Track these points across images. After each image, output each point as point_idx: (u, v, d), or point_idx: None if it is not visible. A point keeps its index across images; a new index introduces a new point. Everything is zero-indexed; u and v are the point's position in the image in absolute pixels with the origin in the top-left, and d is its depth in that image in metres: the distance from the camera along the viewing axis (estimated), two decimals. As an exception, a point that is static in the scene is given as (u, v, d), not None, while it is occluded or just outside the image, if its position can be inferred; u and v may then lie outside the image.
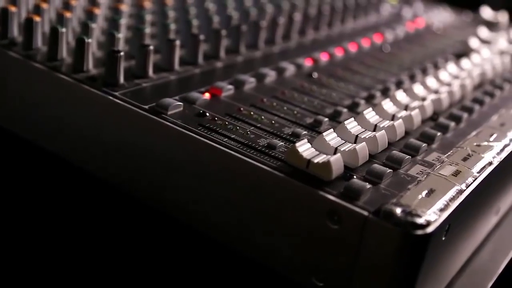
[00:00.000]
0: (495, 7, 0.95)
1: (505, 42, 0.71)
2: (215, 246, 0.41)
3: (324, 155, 0.38)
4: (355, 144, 0.40)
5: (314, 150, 0.39)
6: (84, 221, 0.44)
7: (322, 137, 0.40)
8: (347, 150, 0.39)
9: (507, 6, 1.09)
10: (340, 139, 0.41)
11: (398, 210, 0.35)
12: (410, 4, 0.89)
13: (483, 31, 0.75)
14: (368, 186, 0.37)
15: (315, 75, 0.55)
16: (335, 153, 0.39)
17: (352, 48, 0.65)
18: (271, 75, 0.53)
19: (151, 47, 0.47)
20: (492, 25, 0.84)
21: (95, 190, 0.46)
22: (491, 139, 0.46)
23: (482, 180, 0.41)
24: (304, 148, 0.38)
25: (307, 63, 0.58)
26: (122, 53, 0.45)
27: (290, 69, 0.55)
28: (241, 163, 0.38)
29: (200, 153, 0.40)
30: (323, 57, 0.60)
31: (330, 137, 0.40)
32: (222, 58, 0.55)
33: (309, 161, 0.37)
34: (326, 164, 0.37)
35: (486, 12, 0.87)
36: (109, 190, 0.45)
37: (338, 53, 0.62)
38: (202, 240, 0.42)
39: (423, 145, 0.43)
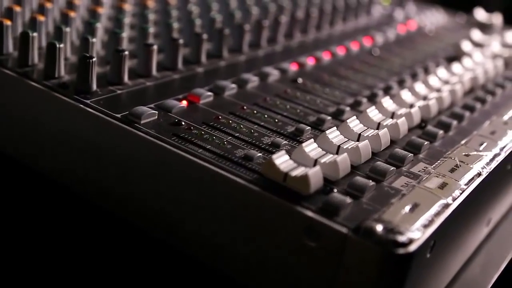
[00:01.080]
0: (490, 9, 0.94)
1: (498, 45, 0.69)
2: (188, 261, 0.40)
3: (303, 168, 0.36)
4: (336, 156, 0.38)
5: (292, 162, 0.37)
6: (52, 231, 0.42)
7: (301, 148, 0.38)
8: (327, 162, 0.37)
9: (504, 6, 1.07)
10: (320, 150, 0.39)
11: (379, 227, 0.33)
12: (403, 5, 0.87)
13: (476, 34, 0.73)
14: (349, 200, 0.35)
15: (300, 80, 0.53)
16: (315, 164, 0.37)
17: (340, 51, 0.63)
18: (253, 81, 0.51)
19: (126, 52, 0.45)
20: (486, 27, 0.82)
21: (66, 200, 0.44)
22: (481, 148, 0.44)
23: (470, 193, 0.39)
24: (282, 160, 0.36)
25: (293, 67, 0.56)
26: (94, 59, 0.43)
27: (274, 74, 0.53)
28: (214, 175, 0.36)
29: (173, 165, 0.38)
30: (309, 62, 0.58)
31: (310, 148, 0.38)
32: (203, 63, 0.53)
33: (286, 174, 0.35)
34: (304, 178, 0.35)
35: (480, 14, 0.85)
36: (81, 202, 0.43)
37: (325, 57, 0.61)
38: (176, 255, 0.40)
39: (409, 155, 0.41)
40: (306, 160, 0.37)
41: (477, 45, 0.70)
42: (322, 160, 0.37)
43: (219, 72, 0.53)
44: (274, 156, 0.36)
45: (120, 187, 0.41)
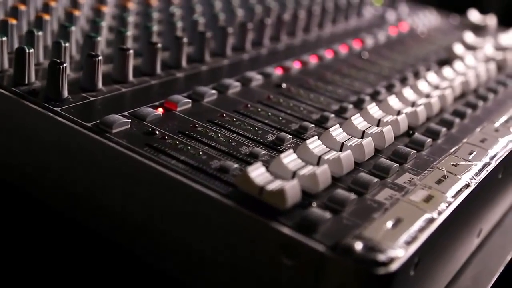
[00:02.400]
0: (488, 9, 0.92)
1: (491, 48, 0.67)
2: (163, 277, 0.38)
3: (280, 181, 0.34)
4: (316, 167, 0.36)
5: (269, 175, 0.35)
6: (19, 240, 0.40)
7: (279, 160, 0.36)
8: (307, 174, 0.35)
9: (501, 6, 1.06)
10: (300, 161, 0.37)
11: (359, 245, 0.31)
12: (395, 6, 0.85)
13: (469, 36, 0.71)
14: (328, 215, 0.33)
15: (284, 85, 0.51)
16: (293, 177, 0.35)
17: (327, 55, 0.61)
18: (235, 87, 0.49)
19: (100, 58, 0.44)
20: (480, 29, 0.80)
21: (35, 210, 0.42)
22: (470, 157, 0.43)
23: (457, 206, 0.37)
24: (257, 173, 0.34)
25: (277, 72, 0.54)
26: (65, 65, 0.41)
27: (257, 79, 0.51)
28: (186, 189, 0.34)
29: (144, 177, 0.36)
30: (295, 66, 0.56)
31: (289, 159, 0.36)
32: (184, 68, 0.51)
33: (261, 188, 0.33)
34: (280, 192, 0.33)
35: (474, 15, 0.83)
36: (52, 213, 0.42)
37: (312, 60, 0.59)
38: (150, 271, 0.38)
39: (394, 165, 0.39)
40: (284, 172, 0.36)
41: (469, 47, 0.68)
42: (301, 172, 0.35)
43: (200, 77, 0.51)
44: (249, 169, 0.34)
45: (92, 199, 0.39)
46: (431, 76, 0.55)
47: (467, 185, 0.39)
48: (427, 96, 0.51)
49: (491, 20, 0.81)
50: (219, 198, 0.33)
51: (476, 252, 0.49)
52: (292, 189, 0.33)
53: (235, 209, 0.33)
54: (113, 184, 0.38)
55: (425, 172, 0.40)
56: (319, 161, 0.38)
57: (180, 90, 0.47)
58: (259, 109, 0.46)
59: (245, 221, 0.33)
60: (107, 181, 0.38)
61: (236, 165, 0.37)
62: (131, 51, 0.46)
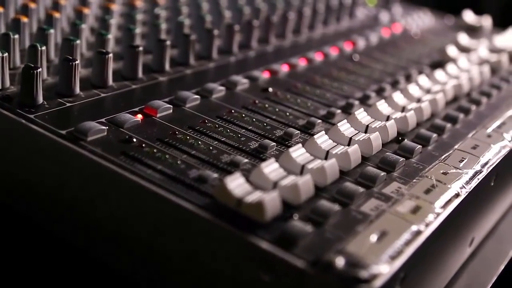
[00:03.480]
0: (486, 10, 0.90)
1: (485, 50, 0.65)
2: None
3: (259, 193, 0.33)
4: (298, 177, 0.34)
5: (248, 185, 0.33)
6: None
7: (259, 170, 0.34)
8: (288, 185, 0.34)
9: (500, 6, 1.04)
10: (282, 170, 0.35)
11: (340, 261, 0.29)
12: (388, 7, 0.83)
13: (463, 38, 0.69)
14: (310, 229, 0.31)
15: (271, 90, 0.50)
16: (274, 187, 0.34)
17: (317, 57, 0.59)
18: (219, 91, 0.47)
19: (77, 62, 0.42)
20: (474, 30, 0.79)
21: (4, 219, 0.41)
22: (461, 165, 0.41)
23: (446, 216, 0.35)
24: (236, 184, 0.33)
25: (264, 75, 0.53)
26: (39, 70, 0.40)
27: (242, 83, 0.49)
28: (161, 200, 0.33)
29: (118, 188, 0.35)
30: (283, 69, 0.55)
31: (270, 168, 0.35)
32: (167, 72, 0.50)
33: (240, 200, 0.32)
34: (259, 205, 0.31)
35: (469, 16, 0.82)
36: (26, 224, 0.40)
37: (301, 63, 0.57)
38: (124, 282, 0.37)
39: (381, 174, 0.38)
40: (265, 183, 0.34)
41: (463, 49, 0.66)
42: (283, 183, 0.34)
43: (184, 81, 0.49)
44: (227, 180, 0.32)
45: (67, 207, 0.38)
46: (423, 80, 0.53)
47: (457, 195, 0.38)
48: (418, 100, 0.50)
49: (486, 21, 0.80)
50: (195, 210, 0.32)
51: (469, 262, 0.48)
52: (271, 201, 0.32)
53: (212, 221, 0.31)
54: (89, 194, 0.36)
55: (414, 180, 0.39)
56: (302, 170, 0.36)
57: (162, 95, 0.45)
58: (243, 115, 0.44)
59: (222, 234, 0.31)
60: (82, 190, 0.37)
61: (215, 175, 0.35)
62: (110, 55, 0.44)
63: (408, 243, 0.32)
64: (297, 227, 0.31)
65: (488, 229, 0.51)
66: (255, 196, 0.32)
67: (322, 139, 0.39)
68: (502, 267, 0.49)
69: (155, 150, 0.37)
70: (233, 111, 0.45)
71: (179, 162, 0.36)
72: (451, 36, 0.73)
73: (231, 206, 0.32)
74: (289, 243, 0.30)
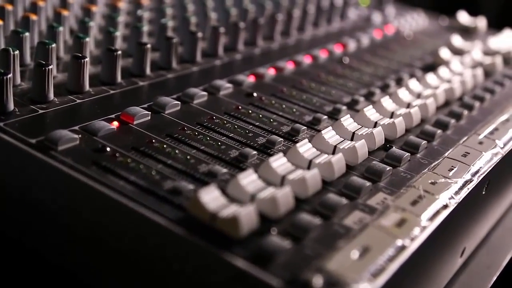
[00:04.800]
0: (482, 11, 0.89)
1: (479, 52, 0.64)
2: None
3: (235, 206, 0.31)
4: (278, 189, 0.33)
5: (224, 199, 0.31)
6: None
7: (236, 182, 0.33)
8: (267, 197, 0.32)
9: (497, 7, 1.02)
10: (261, 182, 0.34)
11: (318, 280, 0.28)
12: (382, 8, 0.82)
13: (457, 39, 0.68)
14: (288, 245, 0.30)
15: (255, 94, 0.48)
16: (252, 200, 0.32)
17: (306, 60, 0.58)
18: (201, 96, 0.46)
19: (51, 67, 0.40)
20: (469, 31, 0.77)
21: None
22: (450, 174, 0.39)
23: (434, 230, 0.34)
24: (210, 197, 0.31)
25: (250, 79, 0.51)
26: (10, 75, 0.38)
27: (226, 87, 0.48)
28: (131, 214, 0.31)
29: (89, 200, 0.33)
30: (270, 72, 0.53)
31: (248, 180, 0.33)
32: (148, 76, 0.48)
33: (214, 215, 0.30)
34: (234, 220, 0.29)
35: (463, 17, 0.80)
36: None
37: (289, 66, 0.55)
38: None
39: (367, 184, 0.36)
40: (242, 195, 0.32)
41: (457, 52, 0.65)
42: (261, 196, 0.32)
43: (166, 86, 0.47)
44: (201, 193, 0.31)
45: (36, 220, 0.36)
46: (413, 84, 0.52)
47: (445, 206, 0.36)
48: (408, 105, 0.48)
49: (481, 22, 0.78)
50: (166, 224, 0.30)
51: (460, 273, 0.46)
52: (247, 215, 0.30)
53: (183, 237, 0.30)
54: (60, 206, 0.35)
55: (401, 191, 0.37)
56: (283, 181, 0.35)
57: (141, 100, 0.44)
58: (225, 122, 0.43)
59: (195, 250, 0.30)
60: (54, 202, 0.35)
61: (191, 186, 0.34)
62: (87, 59, 0.42)
63: (391, 259, 0.30)
64: (274, 243, 0.29)
65: (481, 238, 0.49)
66: (230, 210, 0.30)
67: (305, 148, 0.38)
68: (495, 278, 0.47)
69: (129, 160, 0.35)
70: (214, 117, 0.43)
71: (153, 172, 0.35)
72: (445, 37, 0.72)
73: (205, 221, 0.30)
74: (265, 260, 0.29)
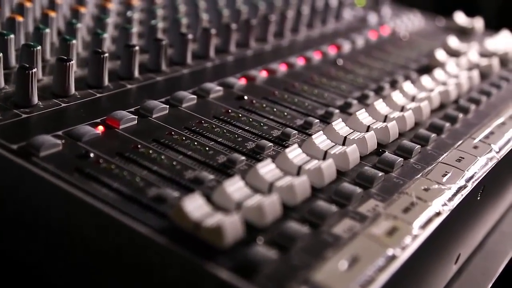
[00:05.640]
0: (481, 11, 0.88)
1: (476, 54, 0.63)
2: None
3: (220, 215, 0.30)
4: (265, 197, 0.32)
5: (208, 207, 0.30)
6: None
7: (222, 189, 0.32)
8: (254, 205, 0.31)
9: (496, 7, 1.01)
10: (247, 189, 0.33)
11: (305, 292, 0.27)
12: (377, 9, 0.81)
13: (453, 41, 0.67)
14: (274, 255, 0.29)
15: (246, 97, 0.47)
16: (238, 208, 0.31)
17: (299, 62, 0.57)
18: (190, 100, 0.45)
19: (35, 70, 0.39)
20: (466, 32, 0.76)
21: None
22: (444, 180, 0.39)
23: (426, 238, 0.33)
24: (194, 205, 0.30)
25: (241, 82, 0.50)
26: (-9, 79, 0.37)
27: (216, 90, 0.47)
28: (113, 222, 0.30)
29: (69, 207, 0.32)
30: (262, 74, 0.52)
31: (234, 187, 0.32)
32: (136, 78, 0.47)
33: (198, 224, 0.29)
34: (218, 229, 0.29)
35: (460, 17, 0.79)
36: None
37: (281, 68, 0.54)
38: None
39: (358, 191, 0.35)
40: (228, 203, 0.31)
41: (453, 53, 0.64)
42: (248, 203, 0.31)
43: (155, 89, 0.46)
44: (184, 201, 0.30)
45: (18, 228, 0.35)
46: (408, 86, 0.51)
47: (438, 213, 0.35)
48: (402, 108, 0.47)
49: (478, 23, 0.77)
50: (148, 233, 0.29)
51: (454, 279, 0.45)
52: (232, 224, 0.29)
53: (166, 246, 0.29)
54: (41, 214, 0.34)
55: (393, 197, 0.36)
56: (270, 188, 0.34)
57: (129, 104, 0.43)
58: (214, 126, 0.42)
59: (177, 261, 0.29)
60: (35, 209, 0.34)
61: (176, 194, 0.33)
62: (72, 62, 0.41)
63: (381, 269, 0.29)
64: (260, 253, 0.29)
65: (476, 244, 0.48)
66: (214, 219, 0.29)
67: (294, 153, 0.37)
68: (490, 284, 0.46)
69: (113, 166, 0.34)
70: (203, 121, 0.42)
71: (137, 179, 0.34)
72: (441, 38, 0.71)
73: (188, 230, 0.30)
74: (250, 271, 0.28)
